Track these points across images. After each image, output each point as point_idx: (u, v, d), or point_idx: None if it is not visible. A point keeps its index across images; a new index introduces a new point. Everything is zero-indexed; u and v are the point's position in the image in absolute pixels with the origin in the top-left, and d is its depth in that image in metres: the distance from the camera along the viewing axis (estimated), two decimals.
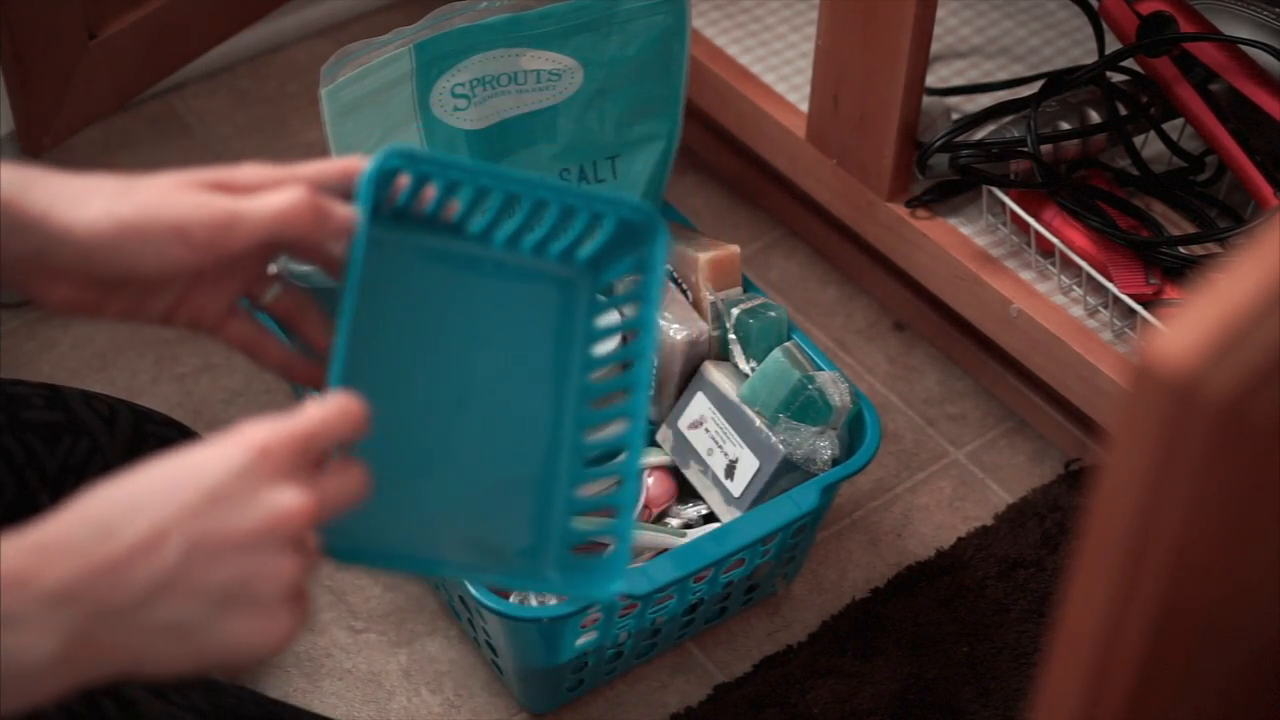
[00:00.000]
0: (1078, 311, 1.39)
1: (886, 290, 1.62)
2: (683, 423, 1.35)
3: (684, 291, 1.39)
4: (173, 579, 0.69)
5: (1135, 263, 1.37)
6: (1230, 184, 1.45)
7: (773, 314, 1.35)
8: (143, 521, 0.69)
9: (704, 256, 1.37)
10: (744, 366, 1.34)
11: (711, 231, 1.64)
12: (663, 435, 1.37)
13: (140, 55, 1.60)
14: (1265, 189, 1.36)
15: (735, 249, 1.39)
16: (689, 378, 1.36)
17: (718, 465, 1.32)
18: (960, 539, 1.45)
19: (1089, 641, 0.61)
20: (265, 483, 0.71)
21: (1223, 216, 1.44)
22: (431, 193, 0.83)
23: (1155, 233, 1.40)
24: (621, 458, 0.85)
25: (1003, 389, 1.55)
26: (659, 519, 1.35)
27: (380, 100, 1.30)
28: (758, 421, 1.31)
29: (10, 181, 0.76)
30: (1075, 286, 1.40)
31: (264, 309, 0.84)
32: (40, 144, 1.55)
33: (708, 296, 1.36)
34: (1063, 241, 1.38)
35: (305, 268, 1.01)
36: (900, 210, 1.47)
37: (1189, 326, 0.53)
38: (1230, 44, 1.37)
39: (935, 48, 1.50)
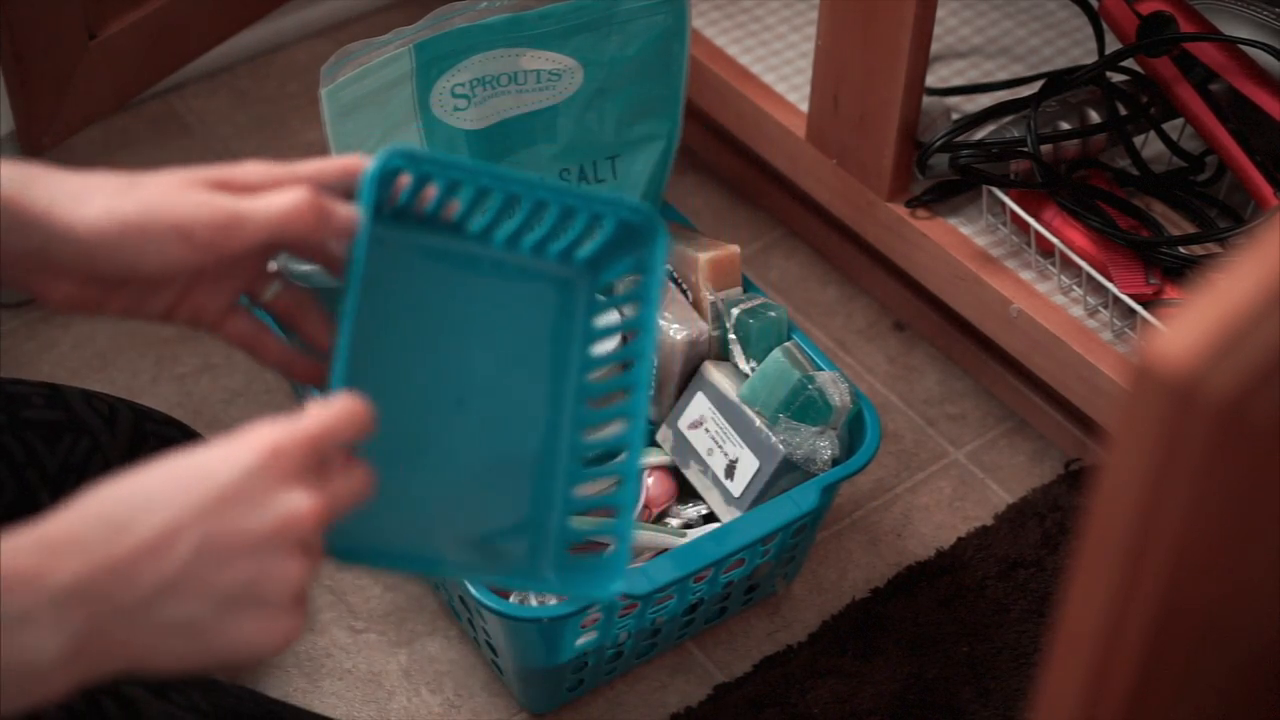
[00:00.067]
0: (1078, 311, 1.39)
1: (886, 290, 1.62)
2: (683, 423, 1.35)
3: (684, 291, 1.39)
4: (182, 578, 0.69)
5: (1135, 263, 1.37)
6: (1230, 184, 1.45)
7: (773, 314, 1.35)
8: (154, 520, 0.69)
9: (704, 256, 1.37)
10: (744, 366, 1.34)
11: (711, 231, 1.64)
12: (663, 435, 1.37)
13: (140, 55, 1.59)
14: (1265, 189, 1.36)
15: (735, 249, 1.39)
16: (689, 378, 1.36)
17: (718, 465, 1.32)
18: (960, 539, 1.45)
19: (1089, 641, 0.61)
20: (276, 485, 0.71)
21: (1223, 216, 1.44)
22: (432, 192, 0.83)
23: (1155, 233, 1.40)
24: (622, 458, 0.86)
25: (1003, 389, 1.55)
26: (659, 519, 1.35)
27: (380, 100, 1.30)
28: (758, 421, 1.30)
29: (11, 179, 0.76)
30: (1075, 286, 1.40)
31: (264, 306, 0.84)
32: (40, 144, 1.55)
33: (708, 296, 1.36)
34: (1063, 241, 1.38)
35: (306, 266, 1.01)
36: (900, 210, 1.47)
37: (1189, 326, 0.53)
38: (1230, 44, 1.37)
39: (935, 48, 1.50)
